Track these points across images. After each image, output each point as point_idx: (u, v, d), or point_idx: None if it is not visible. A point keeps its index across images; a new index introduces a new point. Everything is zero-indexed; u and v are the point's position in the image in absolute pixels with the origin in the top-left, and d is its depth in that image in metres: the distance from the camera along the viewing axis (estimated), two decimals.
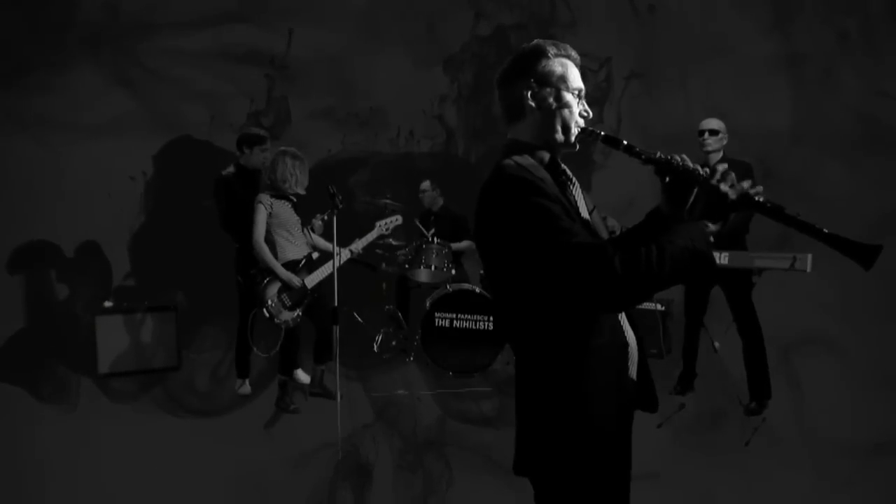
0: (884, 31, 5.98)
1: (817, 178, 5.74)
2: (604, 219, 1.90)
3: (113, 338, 5.28)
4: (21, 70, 5.95)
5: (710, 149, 4.26)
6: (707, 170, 1.62)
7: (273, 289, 4.38)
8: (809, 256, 3.71)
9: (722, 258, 4.02)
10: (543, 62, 1.70)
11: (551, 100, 1.69)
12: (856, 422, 4.04)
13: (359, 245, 4.62)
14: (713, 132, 4.25)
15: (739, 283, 4.20)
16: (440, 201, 5.95)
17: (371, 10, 6.59)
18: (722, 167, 1.60)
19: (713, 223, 1.58)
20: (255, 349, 4.72)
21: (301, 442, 4.03)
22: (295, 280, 4.36)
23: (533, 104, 1.69)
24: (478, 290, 5.16)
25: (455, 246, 5.62)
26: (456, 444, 4.05)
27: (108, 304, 5.45)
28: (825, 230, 1.54)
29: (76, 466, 3.76)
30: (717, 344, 4.45)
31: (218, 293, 5.37)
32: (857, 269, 1.56)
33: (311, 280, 4.45)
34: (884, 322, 4.95)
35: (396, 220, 4.84)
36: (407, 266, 5.46)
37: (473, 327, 5.12)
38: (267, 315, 4.39)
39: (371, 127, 6.79)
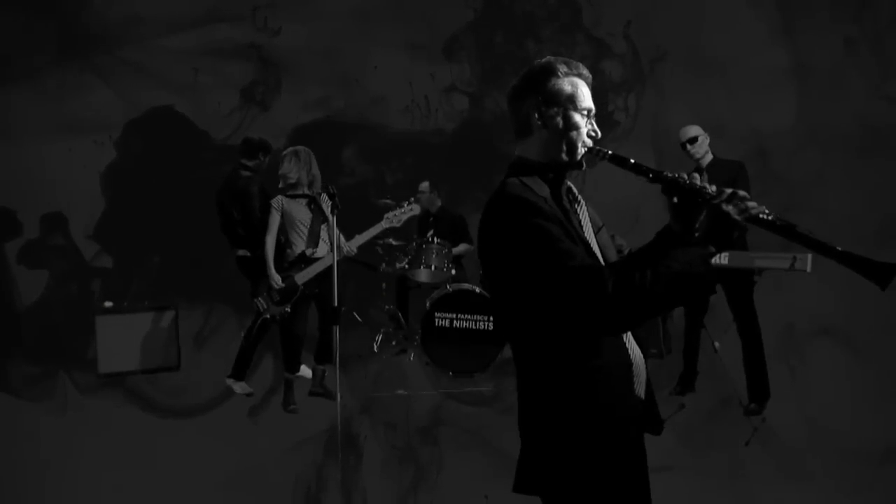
0: (891, 37, 5.96)
1: (824, 183, 5.72)
2: (612, 237, 1.89)
3: (113, 338, 5.27)
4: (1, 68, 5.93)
5: (697, 156, 4.28)
6: (714, 189, 1.58)
7: (263, 283, 4.53)
8: (809, 256, 3.68)
9: (722, 258, 3.99)
10: (553, 81, 1.69)
11: (559, 119, 1.68)
12: (865, 425, 4.00)
13: (358, 241, 4.59)
14: (693, 140, 4.28)
15: (741, 283, 4.20)
16: (438, 202, 5.93)
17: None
18: (727, 193, 1.55)
19: (718, 246, 1.55)
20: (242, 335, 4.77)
21: (296, 432, 4.10)
22: (274, 279, 4.47)
23: (540, 123, 1.69)
24: (478, 290, 5.15)
25: (454, 250, 5.61)
26: (451, 425, 4.07)
27: (108, 304, 5.45)
28: (839, 248, 1.51)
29: (76, 465, 3.76)
30: (716, 344, 4.45)
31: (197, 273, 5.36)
32: (875, 253, 1.51)
33: (302, 277, 4.49)
34: None
35: (411, 209, 4.74)
36: (407, 266, 5.46)
37: (473, 327, 5.11)
38: (257, 308, 4.54)
39: (380, 103, 6.51)
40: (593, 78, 1.78)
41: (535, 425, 1.65)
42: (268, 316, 4.55)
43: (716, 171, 4.20)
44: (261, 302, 4.52)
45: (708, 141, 4.33)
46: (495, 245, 1.63)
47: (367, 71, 6.44)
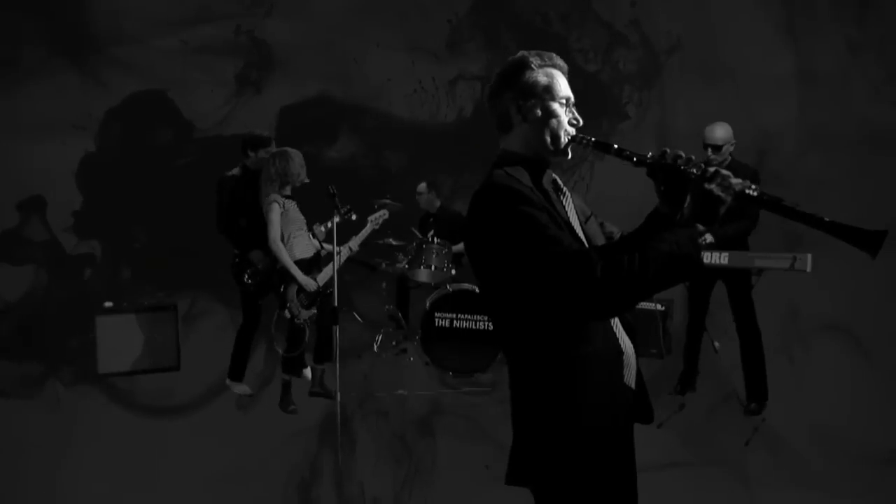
0: (894, 40, 5.95)
1: (827, 186, 5.70)
2: (601, 225, 1.90)
3: (113, 338, 5.25)
4: None
5: (716, 162, 4.04)
6: (700, 167, 1.59)
7: (293, 290, 4.43)
8: (809, 256, 3.70)
9: (721, 258, 4.01)
10: (527, 74, 1.71)
11: (538, 111, 1.70)
12: (870, 426, 3.96)
13: (356, 241, 4.62)
14: (716, 149, 4.07)
15: (742, 281, 4.20)
16: (437, 202, 5.94)
17: None
18: (712, 170, 1.56)
19: (706, 224, 1.56)
20: (279, 351, 4.66)
21: (289, 424, 4.21)
22: (311, 283, 4.40)
23: (519, 116, 1.71)
24: (478, 290, 5.15)
25: (455, 248, 5.62)
26: (449, 413, 4.09)
27: (108, 304, 5.44)
28: (826, 218, 1.51)
29: (67, 465, 3.76)
30: (716, 344, 4.45)
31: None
32: (876, 260, 1.51)
33: (322, 277, 4.48)
34: None
35: (383, 214, 4.84)
36: (407, 266, 5.46)
37: (473, 327, 5.12)
38: (288, 316, 4.44)
39: (382, 88, 6.36)
40: (609, 70, 1.79)
41: (525, 415, 1.65)
42: (299, 321, 4.44)
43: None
44: (295, 307, 4.41)
45: (732, 149, 4.14)
46: (483, 234, 1.63)
47: (368, 54, 6.38)
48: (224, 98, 6.32)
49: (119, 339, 5.27)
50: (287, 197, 4.43)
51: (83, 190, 6.16)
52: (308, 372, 4.84)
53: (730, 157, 4.21)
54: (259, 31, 6.39)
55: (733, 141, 4.18)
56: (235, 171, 4.70)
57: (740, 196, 1.54)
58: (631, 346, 1.73)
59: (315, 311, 4.45)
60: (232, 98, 6.35)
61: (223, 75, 6.33)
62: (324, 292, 4.47)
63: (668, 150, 1.62)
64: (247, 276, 4.55)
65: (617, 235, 4.23)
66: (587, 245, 1.70)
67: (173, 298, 5.58)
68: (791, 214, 1.53)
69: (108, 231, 6.21)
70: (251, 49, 6.39)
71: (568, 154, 1.73)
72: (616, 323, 1.71)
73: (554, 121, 1.70)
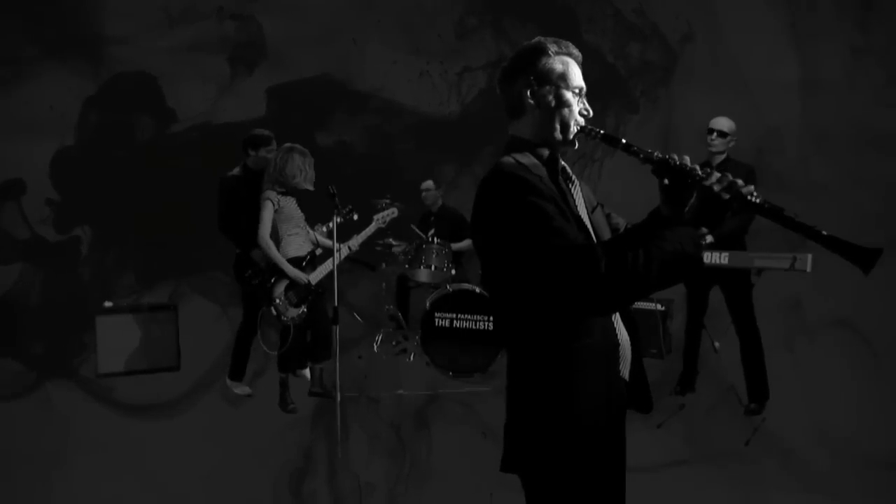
0: None
1: (830, 189, 5.70)
2: (608, 216, 1.90)
3: (113, 338, 5.25)
4: None
5: (715, 150, 4.21)
6: (706, 171, 1.60)
7: (280, 287, 4.40)
8: (809, 256, 3.69)
9: (722, 258, 4.01)
10: (544, 60, 1.71)
11: (551, 98, 1.70)
12: (875, 426, 3.95)
13: (357, 240, 4.61)
14: (722, 134, 4.18)
15: (739, 284, 4.19)
16: (440, 201, 5.95)
17: None
18: (717, 175, 1.58)
19: (708, 226, 1.58)
20: (263, 347, 4.67)
21: (282, 416, 4.25)
22: (302, 277, 4.37)
23: (532, 102, 1.71)
24: (478, 290, 5.15)
25: (455, 246, 5.62)
26: (446, 399, 4.09)
27: (108, 304, 5.44)
28: (824, 232, 1.52)
29: (62, 465, 3.76)
30: (717, 344, 4.44)
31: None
32: (882, 258, 1.51)
33: (315, 276, 4.46)
34: None
35: (392, 212, 4.81)
36: (407, 266, 5.47)
37: (473, 327, 5.11)
38: (275, 313, 4.41)
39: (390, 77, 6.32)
40: (624, 62, 1.80)
41: (521, 403, 1.66)
42: (286, 318, 4.40)
43: (727, 171, 4.14)
44: (280, 306, 4.39)
45: (733, 144, 4.22)
46: (489, 222, 1.64)
47: (369, 38, 6.39)
48: (217, 88, 6.32)
49: (119, 340, 5.27)
50: (287, 194, 4.41)
51: (71, 184, 6.15)
52: (307, 372, 4.84)
53: (725, 154, 4.25)
54: (249, 11, 6.39)
55: (735, 137, 4.24)
56: (236, 170, 4.70)
57: (743, 201, 1.56)
58: (627, 337, 1.73)
59: (304, 310, 4.43)
60: (225, 87, 6.34)
61: (218, 68, 6.32)
62: (315, 291, 4.46)
63: (675, 156, 1.62)
64: (248, 276, 4.55)
65: (622, 228, 4.23)
66: (593, 236, 1.70)
67: (166, 293, 5.57)
68: (791, 225, 1.54)
69: (94, 224, 6.20)
70: (245, 34, 6.38)
71: (575, 144, 1.74)
72: (616, 315, 1.71)
73: (566, 109, 1.71)
